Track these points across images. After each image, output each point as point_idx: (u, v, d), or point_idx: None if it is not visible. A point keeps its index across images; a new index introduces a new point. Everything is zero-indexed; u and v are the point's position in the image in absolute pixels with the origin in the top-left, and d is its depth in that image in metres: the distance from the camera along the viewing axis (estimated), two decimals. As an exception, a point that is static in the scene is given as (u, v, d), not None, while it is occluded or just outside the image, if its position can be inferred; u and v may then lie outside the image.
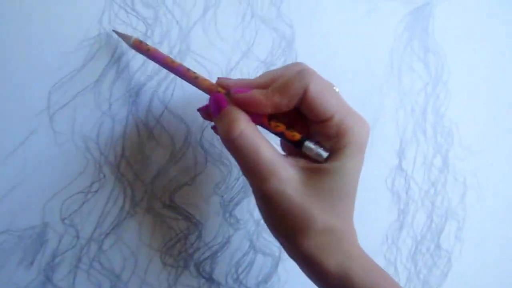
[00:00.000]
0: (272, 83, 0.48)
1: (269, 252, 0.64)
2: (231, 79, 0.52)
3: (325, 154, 0.48)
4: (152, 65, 0.56)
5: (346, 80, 0.67)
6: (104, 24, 0.54)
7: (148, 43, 0.55)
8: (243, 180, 0.62)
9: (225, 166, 0.61)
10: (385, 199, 0.72)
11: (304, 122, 0.50)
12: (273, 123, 0.49)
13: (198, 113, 0.56)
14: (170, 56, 0.52)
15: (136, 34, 0.55)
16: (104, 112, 0.55)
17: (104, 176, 0.55)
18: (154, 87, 0.57)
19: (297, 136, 0.49)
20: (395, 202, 0.72)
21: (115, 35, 0.54)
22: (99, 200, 0.56)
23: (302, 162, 0.48)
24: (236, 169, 0.61)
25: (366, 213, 0.70)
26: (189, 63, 0.58)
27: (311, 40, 0.64)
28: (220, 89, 0.50)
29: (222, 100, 0.49)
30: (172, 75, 0.57)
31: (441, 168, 0.75)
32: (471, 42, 0.77)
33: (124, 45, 0.55)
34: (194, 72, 0.51)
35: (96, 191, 0.55)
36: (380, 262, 0.71)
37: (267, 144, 0.47)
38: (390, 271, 0.73)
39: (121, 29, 0.54)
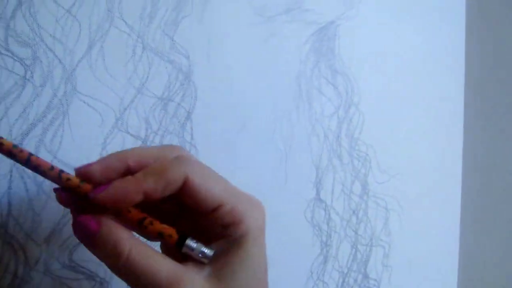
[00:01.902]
0: (142, 165, 0.43)
1: None
2: (92, 164, 0.43)
3: (210, 252, 0.43)
4: (35, 111, 0.50)
5: (252, 111, 0.63)
6: (-26, 69, 0.48)
7: (28, 86, 0.49)
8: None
9: (128, 215, 0.55)
10: (306, 233, 0.68)
11: (188, 214, 0.46)
12: (146, 221, 0.42)
13: (91, 161, 0.50)
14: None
15: (14, 77, 0.49)
16: (-18, 169, 0.48)
17: (-10, 241, 0.49)
18: (39, 135, 0.51)
19: (174, 237, 0.43)
20: (317, 235, 0.68)
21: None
22: (-14, 269, 0.49)
23: (206, 265, 0.43)
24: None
25: (288, 250, 0.66)
26: (77, 105, 0.52)
27: (210, 71, 0.60)
28: (80, 183, 0.42)
29: (91, 225, 0.41)
30: (58, 121, 0.51)
31: (360, 194, 0.72)
32: (379, 60, 0.75)
33: (0, 91, 0.49)
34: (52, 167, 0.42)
35: (-20, 259, 0.49)
36: (307, 300, 0.67)
37: (162, 258, 0.41)
38: (319, 309, 0.69)
39: (-6, 74, 0.49)
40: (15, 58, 0.50)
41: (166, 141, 0.57)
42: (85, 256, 0.53)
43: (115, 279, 0.55)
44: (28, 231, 0.51)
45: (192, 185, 0.42)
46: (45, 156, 0.51)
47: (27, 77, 0.50)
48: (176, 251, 0.43)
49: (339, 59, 0.71)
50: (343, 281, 0.71)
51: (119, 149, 0.54)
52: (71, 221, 0.43)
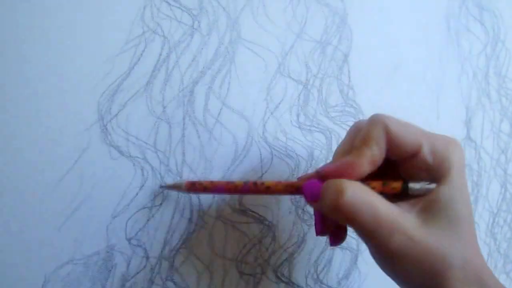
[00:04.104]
0: (351, 147, 0.45)
1: (347, 246, 0.60)
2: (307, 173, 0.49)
3: (433, 185, 0.44)
4: (203, 59, 0.51)
5: (404, 51, 0.62)
6: (147, 21, 0.48)
7: (196, 35, 0.50)
8: (312, 170, 0.56)
9: (292, 159, 0.56)
10: (457, 174, 0.66)
11: (395, 168, 0.46)
12: (369, 181, 0.44)
13: (257, 106, 0.53)
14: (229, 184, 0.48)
15: (183, 27, 0.49)
16: (158, 117, 0.49)
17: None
18: (208, 83, 0.51)
19: (397, 187, 0.45)
20: (468, 174, 0.67)
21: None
22: (165, 214, 0.50)
23: (414, 203, 0.44)
24: (303, 161, 0.56)
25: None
26: (242, 52, 0.53)
27: (363, 13, 0.60)
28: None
29: (315, 185, 0.44)
30: (225, 68, 0.51)
31: (509, 133, 0.70)
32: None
33: (171, 41, 0.49)
34: (262, 183, 0.46)
35: (160, 204, 0.50)
36: (459, 241, 0.66)
37: (381, 199, 0.43)
38: (470, 249, 0.67)
39: (165, 25, 0.49)
40: (183, 8, 0.50)
41: (325, 84, 0.57)
42: (254, 201, 0.54)
43: (281, 223, 0.55)
44: (201, 177, 0.51)
45: (393, 132, 0.43)
46: (213, 102, 0.51)
47: (194, 26, 0.50)
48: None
49: (485, -5, 0.68)
50: (493, 221, 0.70)
51: (282, 94, 0.54)
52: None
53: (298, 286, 0.57)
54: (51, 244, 0.46)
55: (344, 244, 0.58)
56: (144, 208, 0.49)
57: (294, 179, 0.55)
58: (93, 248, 0.47)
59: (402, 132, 0.43)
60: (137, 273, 0.49)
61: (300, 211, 0.56)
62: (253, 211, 0.54)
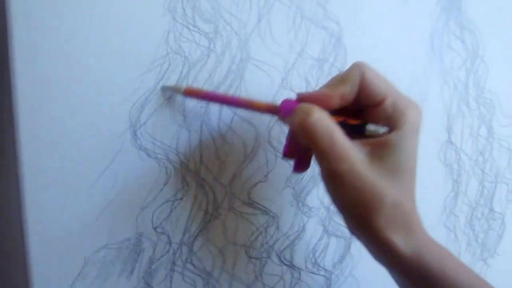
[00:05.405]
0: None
1: (341, 235, 0.65)
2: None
3: (386, 128, 0.49)
4: (218, 76, 0.57)
5: (392, 66, 0.67)
6: (170, 43, 0.55)
7: (211, 55, 0.56)
8: (310, 171, 0.62)
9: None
10: (439, 172, 0.72)
11: (360, 113, 0.52)
12: (334, 116, 0.49)
13: (263, 115, 0.57)
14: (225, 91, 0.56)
15: (200, 49, 0.56)
16: (180, 125, 0.56)
17: (187, 183, 0.56)
18: (222, 95, 0.57)
19: (358, 121, 0.50)
20: (449, 173, 0.72)
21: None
22: (185, 206, 0.57)
23: (366, 143, 0.49)
24: (303, 162, 0.62)
25: (425, 188, 0.69)
26: (251, 69, 0.58)
27: (357, 34, 0.65)
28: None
29: (292, 102, 0.50)
30: (236, 84, 0.58)
31: (486, 137, 0.75)
32: (501, 15, 0.76)
33: (190, 60, 0.55)
34: (249, 99, 0.53)
35: (181, 198, 0.56)
36: (441, 231, 0.72)
37: (339, 130, 0.48)
38: (451, 238, 0.73)
39: (186, 46, 0.55)
40: (201, 32, 0.56)
41: (322, 96, 0.63)
42: (260, 195, 0.60)
43: (284, 214, 0.61)
44: (216, 176, 0.58)
45: (366, 80, 0.49)
46: (226, 112, 0.58)
47: (210, 48, 0.57)
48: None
49: (465, 16, 0.73)
50: (472, 214, 0.74)
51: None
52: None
53: (298, 268, 0.63)
54: (90, 231, 0.52)
55: (338, 233, 0.64)
56: (167, 201, 0.56)
57: (297, 177, 0.62)
58: (124, 235, 0.54)
59: (374, 81, 0.49)
60: (162, 256, 0.56)
61: (300, 204, 0.62)
62: (260, 204, 0.60)
